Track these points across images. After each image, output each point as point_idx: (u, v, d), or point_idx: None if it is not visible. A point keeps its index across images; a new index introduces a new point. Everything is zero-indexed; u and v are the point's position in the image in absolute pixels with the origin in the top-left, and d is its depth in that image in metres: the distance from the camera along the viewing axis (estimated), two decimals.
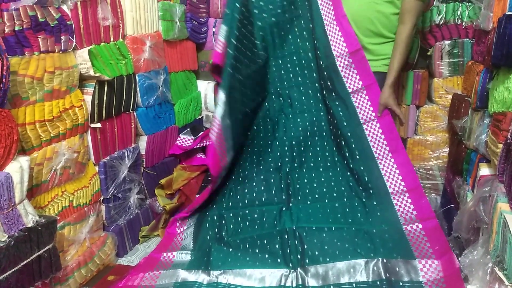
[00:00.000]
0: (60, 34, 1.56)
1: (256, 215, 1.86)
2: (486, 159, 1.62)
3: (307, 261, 1.66)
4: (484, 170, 1.56)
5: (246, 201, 1.92)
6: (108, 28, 1.84)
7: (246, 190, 1.95)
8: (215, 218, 1.92)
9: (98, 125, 1.80)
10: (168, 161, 2.42)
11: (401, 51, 1.81)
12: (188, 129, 2.57)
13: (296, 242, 1.71)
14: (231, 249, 1.78)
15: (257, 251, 1.75)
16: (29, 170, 1.34)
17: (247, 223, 1.86)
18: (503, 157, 1.32)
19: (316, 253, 1.67)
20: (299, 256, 1.67)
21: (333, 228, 1.75)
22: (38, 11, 1.44)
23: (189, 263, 1.78)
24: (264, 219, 1.84)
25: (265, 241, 1.77)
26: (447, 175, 2.27)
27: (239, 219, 1.88)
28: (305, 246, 1.70)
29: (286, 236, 1.75)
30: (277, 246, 1.74)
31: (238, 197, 1.95)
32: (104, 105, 1.83)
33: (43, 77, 1.50)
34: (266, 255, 1.73)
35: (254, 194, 1.92)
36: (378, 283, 1.53)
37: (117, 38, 1.91)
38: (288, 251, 1.70)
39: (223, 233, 1.86)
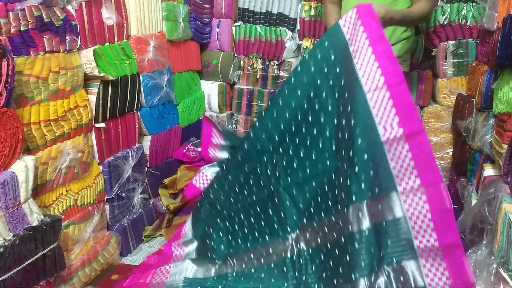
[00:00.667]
0: (65, 34, 1.56)
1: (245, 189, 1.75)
2: (490, 160, 1.62)
3: (304, 221, 1.53)
4: (489, 171, 1.55)
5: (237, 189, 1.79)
6: (112, 28, 1.85)
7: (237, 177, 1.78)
8: (207, 206, 1.87)
9: (103, 124, 1.81)
10: (172, 161, 2.43)
11: (412, 17, 1.69)
12: (198, 140, 2.58)
13: (289, 204, 1.57)
14: (230, 231, 1.71)
15: (252, 220, 1.66)
16: (34, 169, 1.35)
17: (239, 196, 1.76)
18: (507, 157, 1.32)
19: (311, 211, 1.53)
20: (295, 218, 1.56)
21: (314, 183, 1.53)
22: (43, 11, 1.45)
23: (196, 253, 1.74)
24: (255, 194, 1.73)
25: (258, 209, 1.68)
26: (451, 176, 2.27)
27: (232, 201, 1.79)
28: (301, 205, 1.56)
29: (276, 201, 1.62)
30: (271, 212, 1.63)
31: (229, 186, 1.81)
32: (109, 105, 1.83)
33: (48, 77, 1.50)
34: (262, 223, 1.64)
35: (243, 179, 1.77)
36: (366, 232, 1.30)
37: (121, 38, 1.92)
38: (283, 214, 1.59)
39: (218, 210, 1.80)
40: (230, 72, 2.77)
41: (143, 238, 2.17)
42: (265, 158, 1.67)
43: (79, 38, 1.64)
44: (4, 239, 1.24)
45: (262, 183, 1.69)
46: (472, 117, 1.88)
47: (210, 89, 2.76)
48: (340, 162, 1.40)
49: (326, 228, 1.44)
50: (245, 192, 1.73)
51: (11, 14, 1.34)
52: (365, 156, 1.28)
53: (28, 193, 1.32)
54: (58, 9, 1.52)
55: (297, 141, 1.55)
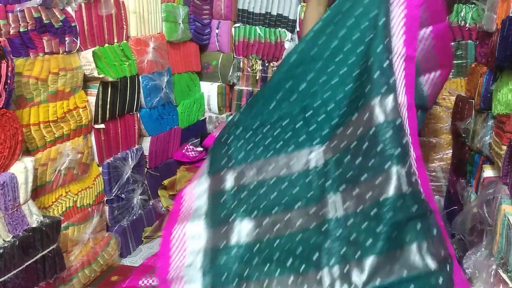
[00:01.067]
0: (64, 36, 1.56)
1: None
2: (490, 161, 1.62)
3: (336, 131, 1.46)
4: (488, 172, 1.55)
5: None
6: (112, 30, 1.85)
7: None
8: (228, 125, 1.73)
9: (102, 126, 1.81)
10: (171, 162, 2.43)
11: None
12: (197, 140, 2.58)
13: (323, 117, 1.51)
14: (250, 141, 1.61)
15: (278, 131, 1.57)
16: (33, 170, 1.35)
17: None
18: (507, 158, 1.32)
19: (342, 121, 1.46)
20: (326, 131, 1.48)
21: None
22: (43, 12, 1.45)
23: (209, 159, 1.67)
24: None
25: (285, 121, 1.58)
26: (450, 177, 2.27)
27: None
28: (336, 120, 1.48)
29: (309, 113, 1.53)
30: (299, 124, 1.54)
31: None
32: (108, 106, 1.83)
33: (47, 78, 1.50)
34: (290, 134, 1.54)
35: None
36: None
37: (121, 39, 1.92)
38: (314, 127, 1.50)
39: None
40: (230, 73, 2.77)
41: (142, 239, 2.17)
42: (299, 70, 1.61)
43: (78, 40, 1.64)
44: (3, 240, 1.24)
45: (294, 97, 1.61)
46: (471, 118, 1.88)
47: (209, 90, 2.77)
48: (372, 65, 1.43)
49: (351, 128, 1.39)
50: (273, 105, 1.64)
51: (10, 15, 1.34)
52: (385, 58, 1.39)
53: (27, 195, 1.32)
54: (57, 10, 1.53)
55: (336, 59, 1.56)
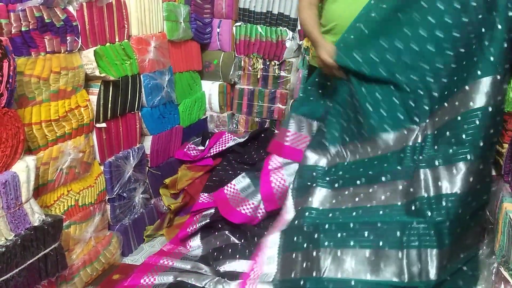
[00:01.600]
0: (66, 35, 1.57)
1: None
2: None
3: (436, 107, 1.39)
4: None
5: None
6: (113, 29, 1.85)
7: None
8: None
9: (104, 125, 1.81)
10: (173, 161, 2.43)
11: None
12: (198, 138, 2.58)
13: (422, 92, 1.42)
14: (344, 118, 1.59)
15: (370, 108, 1.51)
16: (35, 169, 1.35)
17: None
18: (508, 157, 1.31)
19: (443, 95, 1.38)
20: (427, 107, 1.41)
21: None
22: (44, 12, 1.45)
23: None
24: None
25: (378, 96, 1.52)
26: None
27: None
28: (435, 93, 1.40)
29: (407, 88, 1.46)
30: (396, 101, 1.48)
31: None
32: (109, 105, 1.83)
33: (49, 77, 1.51)
34: (384, 112, 1.49)
35: None
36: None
37: (122, 38, 1.92)
38: (413, 103, 1.44)
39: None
40: (231, 72, 2.77)
41: (144, 238, 2.17)
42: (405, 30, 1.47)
43: (80, 39, 1.65)
44: (5, 239, 1.25)
45: (390, 70, 1.50)
46: None
47: (211, 89, 2.77)
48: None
49: (456, 103, 1.31)
50: (363, 79, 1.54)
51: (12, 14, 1.35)
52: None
53: (29, 193, 1.33)
54: (59, 9, 1.53)
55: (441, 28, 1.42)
